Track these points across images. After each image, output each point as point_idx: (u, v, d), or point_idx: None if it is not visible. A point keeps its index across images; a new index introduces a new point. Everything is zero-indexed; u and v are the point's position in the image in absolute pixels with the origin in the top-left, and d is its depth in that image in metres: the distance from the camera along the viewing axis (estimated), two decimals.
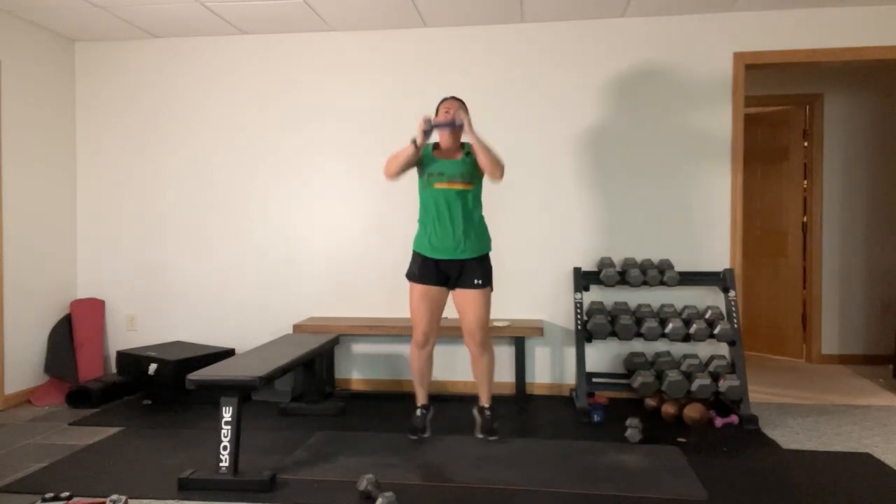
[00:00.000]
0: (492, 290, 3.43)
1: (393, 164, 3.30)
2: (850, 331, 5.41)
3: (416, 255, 3.43)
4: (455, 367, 4.53)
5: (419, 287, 3.38)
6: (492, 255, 4.47)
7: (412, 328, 3.42)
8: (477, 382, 3.51)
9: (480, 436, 3.45)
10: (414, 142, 3.24)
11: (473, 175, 3.36)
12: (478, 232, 3.40)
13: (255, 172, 4.73)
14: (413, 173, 3.94)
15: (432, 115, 3.41)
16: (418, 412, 3.50)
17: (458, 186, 3.30)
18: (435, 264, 3.36)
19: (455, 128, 3.30)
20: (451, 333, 4.11)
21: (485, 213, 4.49)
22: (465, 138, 3.40)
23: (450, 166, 3.32)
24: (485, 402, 3.50)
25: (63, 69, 4.75)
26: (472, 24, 4.47)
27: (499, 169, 3.28)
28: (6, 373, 4.25)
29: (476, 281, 3.34)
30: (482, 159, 3.26)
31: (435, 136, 3.45)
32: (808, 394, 4.45)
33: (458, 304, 3.40)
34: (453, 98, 3.41)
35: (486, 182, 4.48)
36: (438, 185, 3.30)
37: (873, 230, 5.40)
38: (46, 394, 4.38)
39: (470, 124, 3.27)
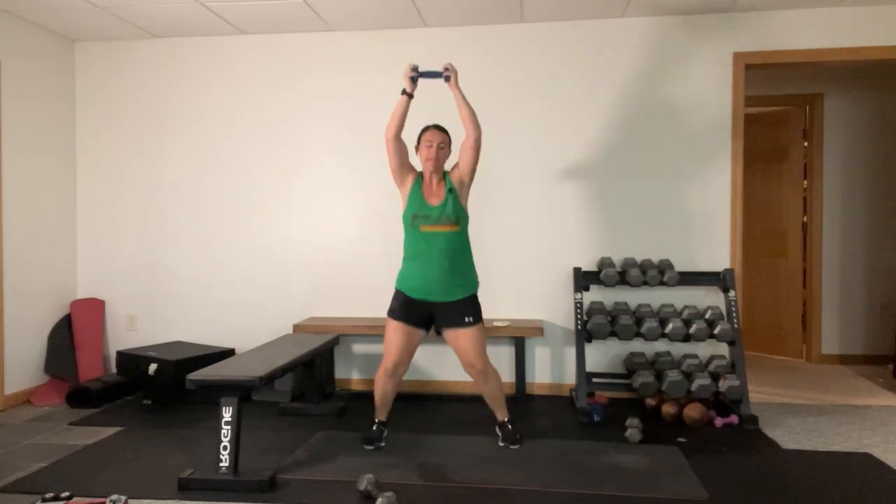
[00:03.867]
0: (483, 324, 3.33)
1: (392, 122, 3.21)
2: (850, 331, 5.41)
3: (398, 293, 3.32)
4: (454, 367, 4.53)
5: (399, 325, 3.28)
6: (492, 254, 4.50)
7: (384, 356, 3.33)
8: (488, 402, 3.44)
9: (502, 444, 3.41)
10: (404, 91, 3.20)
11: (459, 215, 3.26)
12: (465, 273, 3.30)
13: (255, 172, 4.73)
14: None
15: (419, 65, 3.36)
16: (375, 427, 3.41)
17: (445, 229, 3.23)
18: (418, 305, 3.28)
19: (442, 78, 3.25)
20: None
21: (484, 213, 4.50)
22: (451, 91, 3.28)
23: (435, 210, 3.23)
24: (502, 417, 3.44)
25: (63, 69, 4.75)
26: (472, 24, 4.47)
27: (477, 125, 3.22)
28: (6, 373, 4.25)
29: (467, 319, 3.26)
30: (464, 113, 3.20)
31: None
32: (808, 394, 4.45)
33: (451, 342, 3.31)
34: (437, 131, 3.29)
35: (487, 182, 4.49)
36: (424, 229, 3.23)
37: (873, 230, 5.40)
38: (46, 394, 4.38)
39: (456, 77, 3.24)
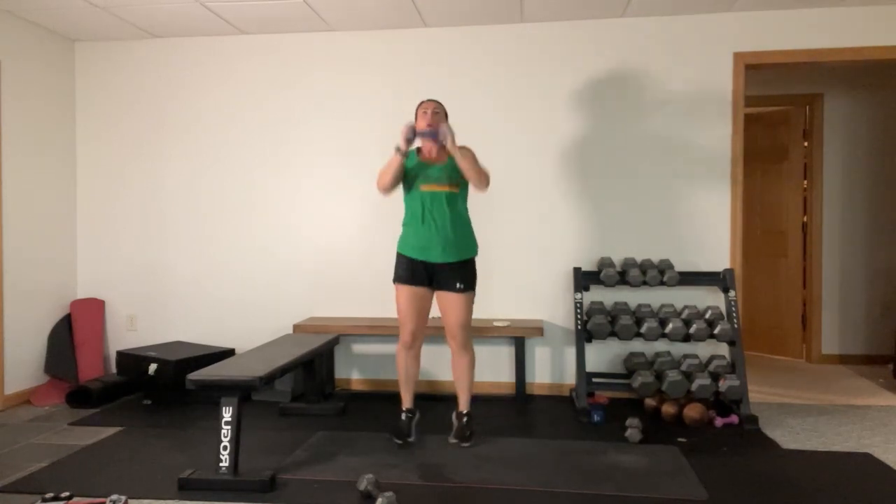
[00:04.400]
0: (474, 293, 3.38)
1: (383, 177, 3.27)
2: (850, 331, 5.41)
3: (400, 256, 3.38)
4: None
5: (406, 288, 3.34)
6: (492, 254, 4.49)
7: (399, 329, 3.38)
8: (456, 385, 3.44)
9: (454, 440, 3.39)
10: (398, 149, 3.21)
11: (460, 177, 3.32)
12: (463, 235, 3.34)
13: (255, 172, 4.73)
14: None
15: (414, 122, 3.37)
16: (403, 416, 3.43)
17: (445, 188, 3.27)
18: (420, 265, 3.32)
19: (436, 140, 3.26)
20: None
21: (484, 212, 4.50)
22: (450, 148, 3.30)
23: (435, 169, 3.29)
24: (463, 407, 3.44)
25: (63, 69, 4.75)
26: (472, 24, 4.47)
27: (484, 180, 3.27)
28: (6, 373, 4.25)
29: (458, 285, 3.30)
30: (467, 173, 3.24)
31: (418, 142, 3.42)
32: (808, 394, 4.45)
33: (440, 305, 3.37)
34: (431, 100, 3.36)
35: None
36: (424, 188, 3.28)
37: (873, 230, 5.40)
38: (46, 394, 4.38)
39: (454, 139, 3.21)
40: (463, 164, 3.23)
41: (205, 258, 4.78)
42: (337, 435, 3.58)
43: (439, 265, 3.30)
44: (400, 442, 3.37)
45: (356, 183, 4.64)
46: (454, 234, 3.29)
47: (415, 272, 3.32)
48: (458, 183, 3.32)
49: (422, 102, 3.39)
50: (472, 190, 4.27)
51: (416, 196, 3.30)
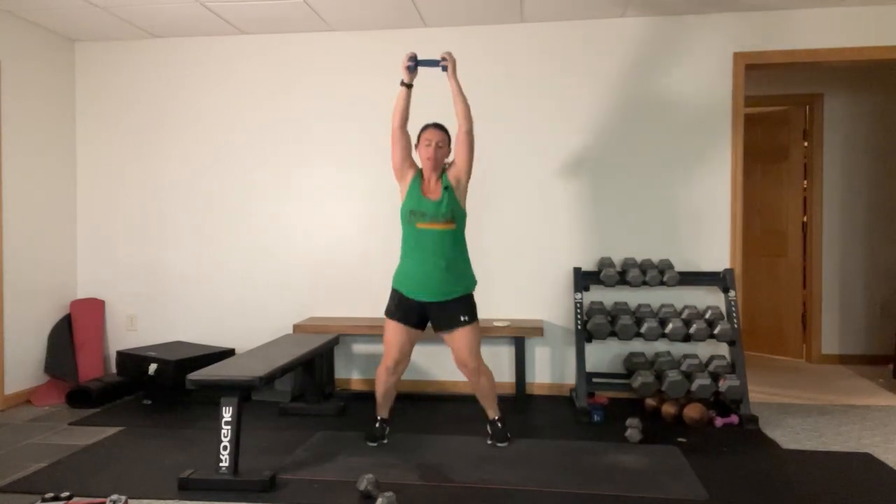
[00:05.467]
0: (478, 322, 3.35)
1: (395, 113, 3.25)
2: (850, 331, 5.41)
3: (395, 292, 3.34)
4: (453, 367, 4.52)
5: (396, 325, 3.31)
6: (492, 254, 4.50)
7: (384, 352, 3.36)
8: (481, 402, 3.47)
9: (490, 442, 3.44)
10: (402, 82, 3.22)
11: (456, 213, 3.26)
12: (461, 273, 3.30)
13: (255, 172, 4.73)
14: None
15: (417, 53, 3.36)
16: (378, 424, 3.45)
17: (441, 227, 3.23)
18: (415, 305, 3.29)
19: (440, 67, 3.26)
20: None
21: (485, 213, 4.50)
22: (448, 82, 3.28)
23: (432, 207, 3.23)
24: (493, 415, 3.46)
25: (63, 69, 4.75)
26: (472, 24, 4.47)
27: (467, 116, 3.24)
28: (6, 373, 4.25)
29: (462, 318, 3.27)
30: (459, 104, 3.22)
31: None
32: (808, 394, 4.45)
33: (447, 340, 3.33)
34: (435, 129, 3.30)
35: (487, 182, 4.49)
36: (421, 226, 3.24)
37: (873, 230, 5.40)
38: (46, 394, 4.38)
39: (454, 67, 3.24)
40: (457, 94, 3.23)
41: (205, 258, 4.78)
42: (337, 435, 3.58)
43: (436, 304, 3.27)
44: (374, 444, 3.42)
45: (356, 182, 4.64)
46: (451, 272, 3.25)
47: (407, 312, 3.30)
48: (453, 219, 3.25)
49: (426, 128, 3.32)
50: (477, 182, 4.27)
51: (413, 232, 3.26)
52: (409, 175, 3.31)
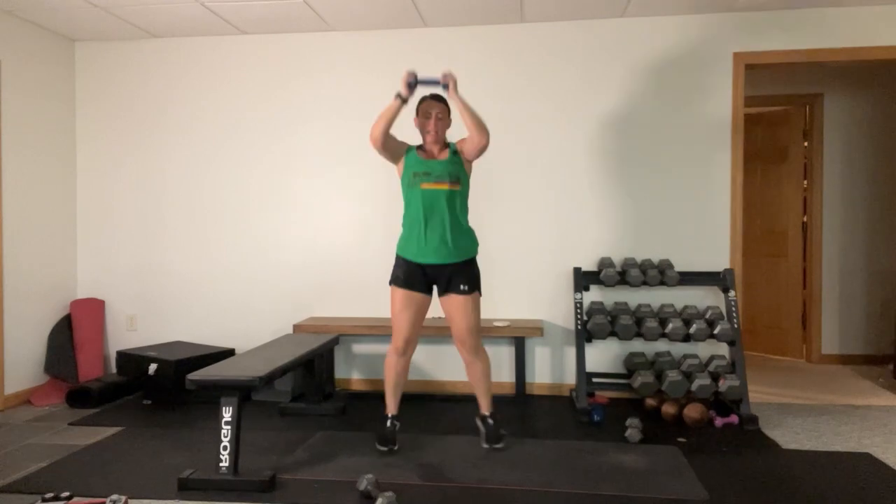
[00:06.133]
0: (480, 294, 3.29)
1: (377, 125, 3.09)
2: (850, 331, 5.41)
3: (399, 259, 3.27)
4: (454, 367, 4.53)
5: (402, 292, 3.22)
6: (492, 254, 4.49)
7: (392, 333, 3.28)
8: (475, 390, 3.37)
9: (486, 445, 3.33)
10: (398, 95, 3.10)
11: (461, 175, 3.22)
12: (465, 235, 3.25)
13: (255, 172, 4.73)
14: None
15: (417, 71, 3.29)
16: (389, 423, 3.31)
17: (446, 187, 3.16)
18: (420, 269, 3.23)
19: (439, 86, 3.15)
20: (446, 333, 4.10)
21: (485, 212, 4.51)
22: (450, 102, 3.21)
23: (437, 166, 3.18)
24: (485, 409, 3.37)
25: (63, 69, 4.75)
26: (472, 23, 4.47)
27: (484, 133, 3.11)
28: (6, 373, 4.25)
29: (462, 287, 3.20)
30: (467, 121, 3.09)
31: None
32: (808, 394, 4.45)
33: (446, 311, 3.27)
34: (434, 100, 3.24)
35: (487, 182, 4.49)
36: (425, 186, 3.16)
37: (873, 230, 5.40)
38: (46, 394, 4.38)
39: (455, 85, 3.11)
40: (464, 112, 3.09)
41: (205, 258, 4.78)
42: (337, 435, 3.58)
43: (440, 267, 3.21)
44: (385, 449, 3.28)
45: (356, 182, 4.64)
46: (457, 234, 3.20)
47: (413, 276, 3.23)
48: (458, 180, 3.20)
49: (423, 100, 3.26)
50: (477, 179, 4.27)
51: (416, 195, 3.18)
52: (403, 152, 3.26)
